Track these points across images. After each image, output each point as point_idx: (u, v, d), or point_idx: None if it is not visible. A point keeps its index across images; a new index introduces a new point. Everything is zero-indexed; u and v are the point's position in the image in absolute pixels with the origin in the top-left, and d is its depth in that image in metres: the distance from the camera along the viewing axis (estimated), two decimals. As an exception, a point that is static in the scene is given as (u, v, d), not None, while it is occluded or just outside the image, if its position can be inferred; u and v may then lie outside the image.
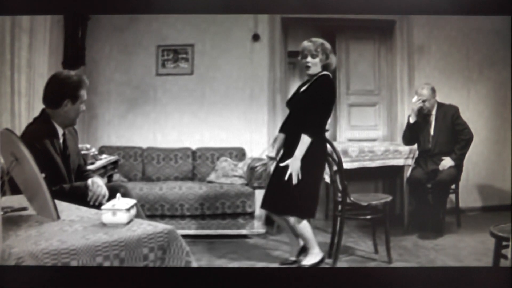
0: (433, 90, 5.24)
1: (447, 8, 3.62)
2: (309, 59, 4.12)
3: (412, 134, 5.29)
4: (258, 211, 5.17)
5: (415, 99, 5.24)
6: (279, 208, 4.18)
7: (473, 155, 5.52)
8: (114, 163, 5.42)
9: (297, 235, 4.21)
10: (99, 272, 2.45)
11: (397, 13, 5.33)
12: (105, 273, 2.56)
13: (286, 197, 4.07)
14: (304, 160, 4.00)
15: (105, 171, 5.12)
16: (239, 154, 5.77)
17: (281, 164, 4.04)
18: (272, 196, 4.19)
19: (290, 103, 4.26)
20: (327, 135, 6.66)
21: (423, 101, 5.21)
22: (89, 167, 4.50)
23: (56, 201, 2.55)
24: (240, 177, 5.41)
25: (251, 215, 5.14)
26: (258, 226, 5.16)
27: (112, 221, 2.39)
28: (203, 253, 4.72)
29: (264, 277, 3.41)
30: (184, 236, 2.49)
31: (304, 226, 4.14)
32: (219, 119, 5.86)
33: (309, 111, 4.04)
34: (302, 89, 4.19)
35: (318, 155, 4.13)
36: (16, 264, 2.07)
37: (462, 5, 3.55)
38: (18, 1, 3.65)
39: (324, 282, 3.38)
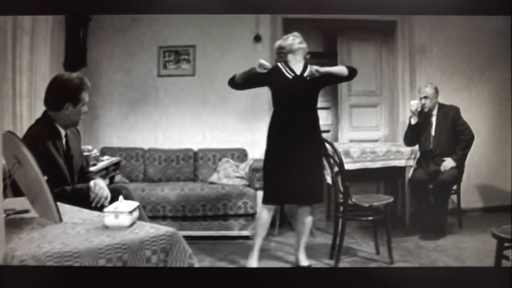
0: (436, 90, 5.25)
1: (448, 8, 3.61)
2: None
3: (413, 135, 5.29)
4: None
5: (413, 102, 5.25)
6: (307, 199, 4.30)
7: (475, 156, 5.51)
8: (116, 164, 5.42)
9: (302, 228, 4.33)
10: (101, 272, 2.45)
11: (398, 13, 5.31)
12: (108, 273, 2.56)
13: (312, 187, 4.26)
14: (312, 149, 4.24)
15: (107, 172, 5.12)
16: (240, 155, 5.77)
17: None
18: (300, 189, 4.25)
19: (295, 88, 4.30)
20: (329, 136, 6.65)
21: (425, 98, 5.21)
22: (91, 168, 4.50)
23: (59, 204, 2.55)
24: (242, 178, 5.40)
25: (253, 216, 5.13)
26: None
27: (115, 224, 2.39)
28: (205, 254, 4.72)
29: (265, 277, 3.41)
30: (186, 237, 2.49)
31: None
32: (220, 120, 5.86)
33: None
34: (303, 75, 4.28)
35: (320, 140, 4.38)
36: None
37: (463, 5, 3.55)
38: (19, 1, 3.65)
39: (326, 282, 3.38)
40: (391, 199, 4.54)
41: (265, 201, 4.29)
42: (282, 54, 4.29)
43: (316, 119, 4.29)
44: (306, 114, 4.25)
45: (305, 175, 4.20)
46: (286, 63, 4.27)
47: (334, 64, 6.50)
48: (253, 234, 4.99)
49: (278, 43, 4.33)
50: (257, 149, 5.73)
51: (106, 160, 5.20)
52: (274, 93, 4.33)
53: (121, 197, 2.57)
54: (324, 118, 8.00)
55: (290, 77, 4.25)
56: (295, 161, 4.19)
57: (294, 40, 4.27)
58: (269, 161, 4.28)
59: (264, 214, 4.29)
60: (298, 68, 4.26)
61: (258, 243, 4.32)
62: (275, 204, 4.38)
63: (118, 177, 5.49)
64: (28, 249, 2.12)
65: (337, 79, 4.39)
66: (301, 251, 4.36)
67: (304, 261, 4.35)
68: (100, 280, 2.78)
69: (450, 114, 5.22)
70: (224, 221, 5.18)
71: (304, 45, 4.29)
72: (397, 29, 6.14)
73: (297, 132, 4.21)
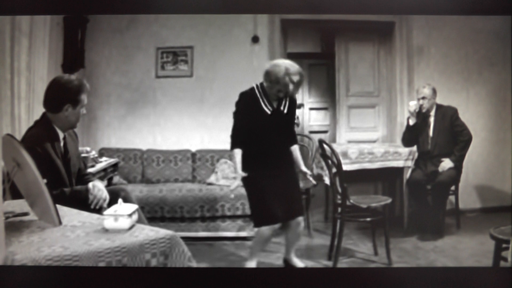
0: (434, 91, 5.25)
1: (446, 8, 3.62)
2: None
3: (411, 135, 5.30)
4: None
5: (412, 103, 5.26)
6: (299, 212, 4.19)
7: (473, 156, 5.53)
8: (114, 166, 5.42)
9: (297, 237, 4.27)
10: (101, 272, 2.45)
11: (397, 13, 5.33)
12: (108, 273, 2.56)
13: (299, 200, 4.24)
14: (293, 164, 4.20)
15: (105, 173, 5.11)
16: (239, 156, 5.76)
17: (311, 179, 4.16)
18: (291, 204, 4.12)
19: (277, 122, 4.12)
20: (327, 137, 6.65)
21: (423, 98, 5.21)
22: (90, 170, 4.50)
23: (58, 206, 2.55)
24: (240, 179, 5.40)
25: (251, 217, 5.12)
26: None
27: (114, 227, 2.38)
28: (203, 255, 4.72)
29: (263, 278, 3.41)
30: (184, 239, 2.49)
31: None
32: (218, 121, 5.85)
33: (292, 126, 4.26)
34: (285, 110, 4.11)
35: (294, 168, 4.29)
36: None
37: (462, 5, 3.55)
38: (17, 1, 3.64)
39: (324, 283, 3.38)
40: (389, 200, 4.54)
41: (260, 223, 4.07)
42: (272, 85, 4.01)
43: (290, 154, 4.20)
44: (281, 149, 4.14)
45: (291, 190, 4.13)
46: (266, 95, 4.04)
47: (332, 64, 6.55)
48: (251, 236, 4.96)
49: (278, 75, 3.96)
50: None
51: (104, 162, 5.19)
52: (250, 127, 4.06)
53: (120, 200, 2.57)
54: (322, 119, 8.04)
55: (269, 112, 4.05)
56: (278, 179, 4.05)
57: (292, 80, 3.97)
58: (252, 187, 4.11)
59: (266, 231, 4.05)
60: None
61: (254, 259, 4.20)
62: (273, 223, 4.05)
63: (116, 178, 5.48)
64: (28, 253, 2.12)
65: None
66: (293, 253, 4.33)
67: (297, 262, 4.32)
68: (100, 281, 2.78)
69: (448, 115, 5.22)
70: (222, 222, 5.18)
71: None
72: (395, 30, 6.14)
73: (273, 160, 4.07)
